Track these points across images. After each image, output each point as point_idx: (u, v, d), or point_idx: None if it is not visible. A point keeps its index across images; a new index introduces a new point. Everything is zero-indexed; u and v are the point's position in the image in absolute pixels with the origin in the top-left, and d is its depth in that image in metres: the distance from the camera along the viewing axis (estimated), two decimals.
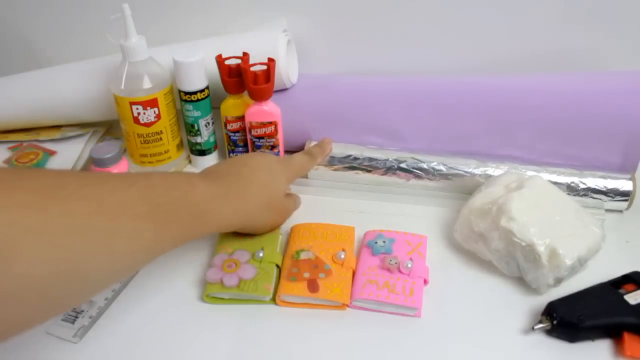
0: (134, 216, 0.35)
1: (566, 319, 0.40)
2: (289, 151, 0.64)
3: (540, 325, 0.41)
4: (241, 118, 0.59)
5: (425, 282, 0.46)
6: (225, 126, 0.60)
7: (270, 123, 0.57)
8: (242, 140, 0.61)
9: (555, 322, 0.41)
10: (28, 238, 0.29)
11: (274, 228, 0.51)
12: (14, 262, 0.29)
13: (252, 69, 0.54)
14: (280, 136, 0.58)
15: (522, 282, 0.46)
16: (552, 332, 0.41)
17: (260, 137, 0.58)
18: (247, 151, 0.61)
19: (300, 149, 0.61)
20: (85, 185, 0.34)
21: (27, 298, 0.30)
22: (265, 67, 0.54)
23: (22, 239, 0.29)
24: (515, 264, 0.46)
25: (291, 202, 0.54)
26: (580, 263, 0.45)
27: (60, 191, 0.32)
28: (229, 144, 0.61)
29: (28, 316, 0.32)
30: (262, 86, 0.54)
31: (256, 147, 0.59)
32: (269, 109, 0.56)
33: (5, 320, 0.30)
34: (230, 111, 0.59)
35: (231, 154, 0.62)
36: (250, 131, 0.58)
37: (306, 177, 0.60)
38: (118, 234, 0.34)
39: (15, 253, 0.29)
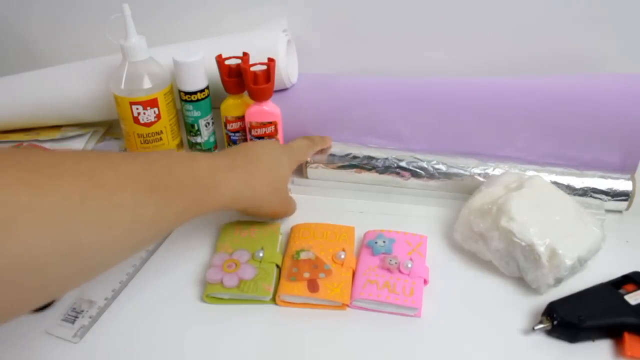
0: (133, 192, 0.34)
1: (567, 319, 0.40)
2: None
3: (541, 326, 0.41)
4: (241, 118, 0.59)
5: (425, 282, 0.46)
6: (225, 126, 0.60)
7: (270, 123, 0.57)
8: (242, 140, 0.61)
9: (555, 322, 0.41)
10: (23, 216, 0.28)
11: (277, 216, 0.50)
12: (7, 241, 0.27)
13: (252, 69, 0.54)
14: (280, 136, 0.58)
15: (522, 282, 0.46)
16: (552, 332, 0.41)
17: (260, 137, 0.58)
18: None
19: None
20: (81, 161, 0.33)
21: (24, 279, 0.28)
22: (265, 67, 0.54)
23: (16, 218, 0.28)
24: (515, 264, 0.46)
25: (292, 200, 0.54)
26: (580, 263, 0.45)
27: (55, 168, 0.31)
28: (229, 144, 0.61)
29: (25, 298, 0.30)
30: (262, 86, 0.54)
31: None
32: (269, 109, 0.56)
33: (1, 303, 0.28)
34: (230, 111, 0.59)
35: None
36: (250, 131, 0.58)
37: (306, 177, 0.60)
38: (117, 211, 0.33)
39: (9, 232, 0.27)
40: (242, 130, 0.60)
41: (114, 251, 0.34)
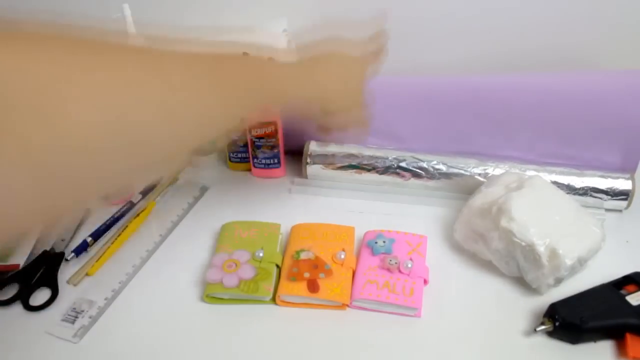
0: (198, 87, 0.33)
1: (568, 320, 0.40)
2: (289, 151, 0.64)
3: (543, 327, 0.41)
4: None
5: (425, 282, 0.46)
6: (250, 132, 0.60)
7: (270, 123, 0.57)
8: (243, 140, 0.61)
9: (557, 323, 0.41)
10: (76, 97, 0.26)
11: (357, 109, 0.48)
12: (61, 121, 0.26)
13: None
14: (280, 136, 0.58)
15: (522, 282, 0.46)
16: (554, 333, 0.41)
17: (260, 137, 0.58)
18: (247, 151, 0.61)
19: (300, 149, 0.61)
20: (142, 55, 0.32)
21: (77, 160, 0.27)
22: None
23: (69, 98, 0.26)
24: (515, 264, 0.46)
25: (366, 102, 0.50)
26: (580, 263, 0.45)
27: (114, 55, 0.30)
28: (228, 144, 0.62)
29: (80, 185, 0.28)
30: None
31: (256, 147, 0.59)
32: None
33: (55, 188, 0.27)
34: None
35: (231, 154, 0.62)
36: (250, 131, 0.58)
37: (306, 177, 0.60)
38: (179, 102, 0.32)
39: (62, 112, 0.26)
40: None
41: (173, 141, 0.33)
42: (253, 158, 0.61)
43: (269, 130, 0.57)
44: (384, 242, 0.49)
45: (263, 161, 0.60)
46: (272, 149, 0.59)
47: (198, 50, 0.35)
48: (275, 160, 0.60)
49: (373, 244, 0.49)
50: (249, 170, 0.62)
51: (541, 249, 0.44)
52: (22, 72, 0.25)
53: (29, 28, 0.29)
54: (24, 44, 0.27)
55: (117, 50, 0.31)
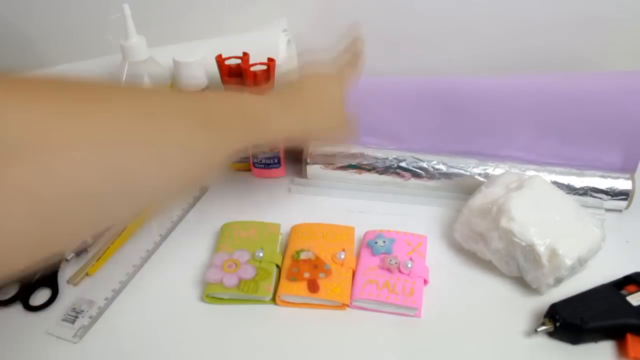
0: (186, 127, 0.34)
1: (569, 321, 0.40)
2: (289, 151, 0.64)
3: (543, 328, 0.41)
4: None
5: (425, 282, 0.46)
6: None
7: None
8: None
9: (558, 324, 0.41)
10: (74, 142, 0.27)
11: (341, 128, 0.49)
12: (61, 168, 0.26)
13: (252, 69, 0.54)
14: None
15: (522, 282, 0.46)
16: (554, 334, 0.41)
17: None
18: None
19: (300, 149, 0.61)
20: (135, 95, 0.33)
21: (76, 206, 0.27)
22: (265, 67, 0.54)
23: (68, 144, 0.27)
24: (515, 264, 0.46)
25: (351, 118, 0.50)
26: (580, 263, 0.45)
27: (109, 99, 0.30)
28: None
29: (76, 228, 0.29)
30: (262, 86, 0.54)
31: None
32: None
33: (54, 231, 0.28)
34: None
35: None
36: None
37: (306, 177, 0.60)
38: (170, 145, 0.32)
39: (63, 159, 0.26)
40: None
41: (164, 185, 0.34)
42: (253, 158, 0.61)
43: None
44: (384, 242, 0.49)
45: (263, 161, 0.60)
46: (272, 149, 0.59)
47: (180, 89, 0.35)
48: (275, 160, 0.60)
49: (373, 244, 0.49)
50: (249, 170, 0.62)
51: (541, 249, 0.44)
52: (23, 116, 0.25)
53: (28, 76, 0.29)
54: (23, 88, 0.28)
55: (110, 92, 0.32)
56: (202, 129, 0.35)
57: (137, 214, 0.33)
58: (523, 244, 0.44)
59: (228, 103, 0.38)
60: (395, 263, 0.46)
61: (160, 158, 0.32)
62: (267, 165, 0.61)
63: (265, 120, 0.41)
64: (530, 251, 0.44)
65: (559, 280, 0.44)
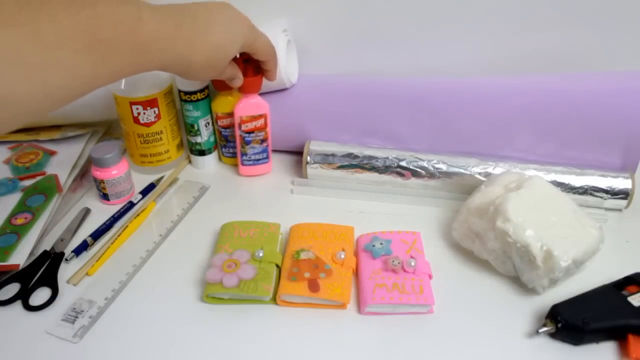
0: (72, 49, 0.34)
1: (571, 322, 0.40)
2: (289, 151, 0.64)
3: (545, 329, 0.41)
4: (231, 114, 0.59)
5: (430, 277, 0.46)
6: (217, 122, 0.60)
7: (261, 116, 0.57)
8: (233, 136, 0.61)
9: (559, 325, 0.41)
10: None
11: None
12: None
13: (243, 62, 0.53)
14: (269, 130, 0.58)
15: (519, 281, 0.46)
16: (556, 335, 0.41)
17: (250, 132, 0.58)
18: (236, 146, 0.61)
19: (300, 149, 0.61)
20: (23, 9, 0.33)
21: None
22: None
23: None
24: (511, 264, 0.46)
25: (232, 70, 0.51)
26: (576, 265, 0.44)
27: None
28: (220, 139, 0.62)
29: None
30: (251, 78, 0.54)
31: (245, 143, 0.59)
32: (258, 102, 0.57)
33: None
34: (221, 108, 0.59)
35: (223, 149, 0.63)
36: (240, 126, 0.58)
37: (306, 177, 0.60)
38: (54, 68, 0.33)
39: None
40: (232, 126, 0.60)
41: (46, 103, 0.35)
42: (242, 155, 0.60)
43: (259, 123, 0.57)
44: (381, 244, 0.49)
45: (253, 157, 0.60)
46: (262, 142, 0.59)
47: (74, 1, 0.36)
48: (264, 155, 0.60)
49: (371, 247, 0.48)
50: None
51: (536, 250, 0.43)
52: None
53: None
54: None
55: (1, 8, 0.32)
56: (88, 55, 0.35)
57: (12, 128, 0.35)
58: (518, 244, 0.44)
59: (120, 30, 0.37)
60: (399, 263, 0.46)
61: (44, 81, 0.33)
62: (256, 162, 0.61)
63: (151, 55, 0.40)
64: (525, 252, 0.44)
65: (553, 282, 0.44)
